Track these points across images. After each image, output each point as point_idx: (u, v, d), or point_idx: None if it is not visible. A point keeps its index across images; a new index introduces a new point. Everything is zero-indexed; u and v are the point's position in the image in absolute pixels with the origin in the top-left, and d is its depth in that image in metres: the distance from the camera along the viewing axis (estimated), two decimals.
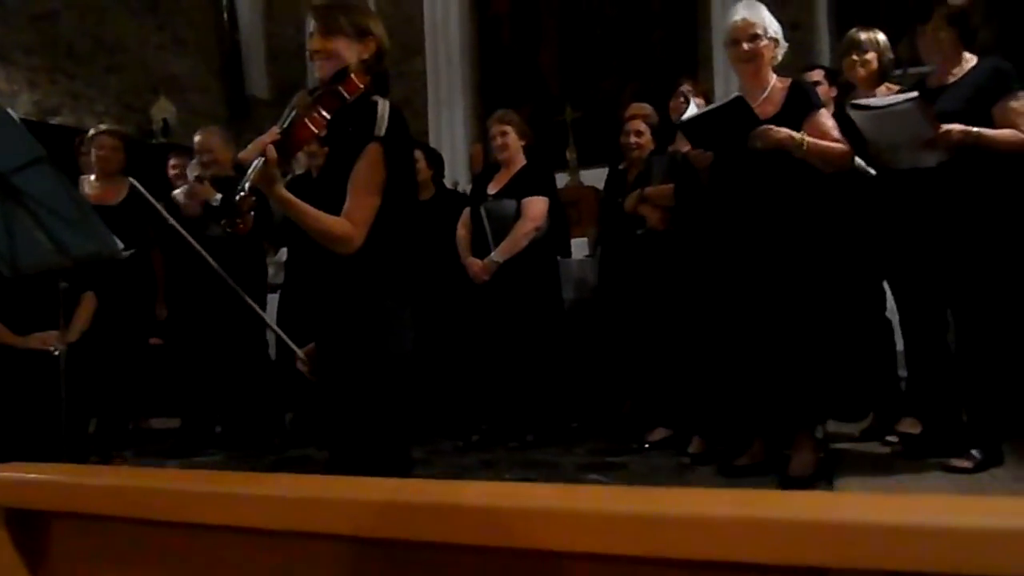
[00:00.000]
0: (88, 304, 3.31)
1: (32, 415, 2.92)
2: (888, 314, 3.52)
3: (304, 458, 4.10)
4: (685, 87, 3.87)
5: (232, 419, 4.48)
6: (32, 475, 0.85)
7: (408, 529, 0.63)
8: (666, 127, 3.95)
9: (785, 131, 2.92)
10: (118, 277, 3.69)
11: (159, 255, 4.36)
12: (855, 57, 3.37)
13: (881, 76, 3.37)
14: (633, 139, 3.96)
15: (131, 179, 2.40)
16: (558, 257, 4.37)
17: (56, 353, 2.19)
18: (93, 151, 4.20)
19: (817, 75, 3.67)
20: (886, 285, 3.43)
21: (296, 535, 0.68)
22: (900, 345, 3.35)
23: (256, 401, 4.36)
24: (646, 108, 4.10)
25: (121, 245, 2.20)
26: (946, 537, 0.54)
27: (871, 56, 3.35)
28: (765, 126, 2.94)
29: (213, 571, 0.74)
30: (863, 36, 3.37)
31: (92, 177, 4.26)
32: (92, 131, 4.33)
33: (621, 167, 4.13)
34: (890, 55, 3.39)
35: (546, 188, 4.10)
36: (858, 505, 0.58)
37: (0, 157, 1.92)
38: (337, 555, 0.68)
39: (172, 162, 4.88)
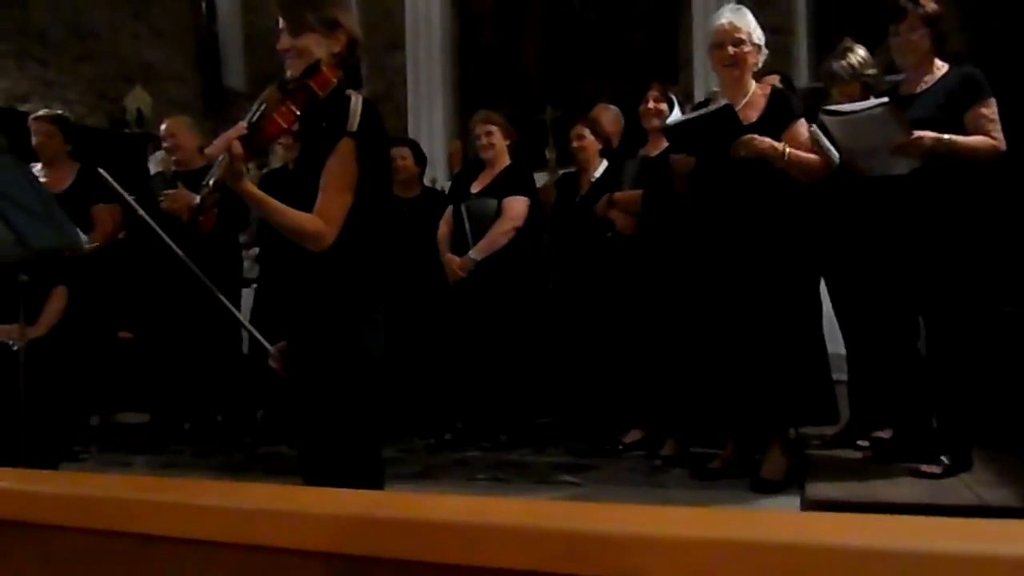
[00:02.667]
0: (58, 299, 3.22)
1: None
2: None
3: (275, 455, 4.04)
4: (653, 92, 3.87)
5: (202, 415, 4.41)
6: None
7: (381, 546, 0.61)
8: (636, 131, 3.97)
9: (768, 141, 2.93)
10: (81, 268, 3.59)
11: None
12: (836, 90, 3.36)
13: (866, 96, 3.25)
14: (575, 143, 4.09)
15: (101, 170, 2.34)
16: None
17: (15, 348, 2.13)
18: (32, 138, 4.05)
19: (773, 80, 3.65)
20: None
21: (259, 549, 0.66)
22: (832, 348, 3.32)
23: (227, 397, 4.30)
24: (597, 113, 4.28)
25: (84, 238, 2.15)
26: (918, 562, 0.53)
27: (852, 84, 3.33)
28: (749, 135, 2.94)
29: None
30: (836, 66, 3.34)
31: (39, 165, 4.11)
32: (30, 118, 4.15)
33: (572, 171, 4.21)
34: (872, 70, 3.37)
35: (527, 189, 4.10)
36: (829, 526, 0.57)
37: None
38: (298, 571, 0.66)
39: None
